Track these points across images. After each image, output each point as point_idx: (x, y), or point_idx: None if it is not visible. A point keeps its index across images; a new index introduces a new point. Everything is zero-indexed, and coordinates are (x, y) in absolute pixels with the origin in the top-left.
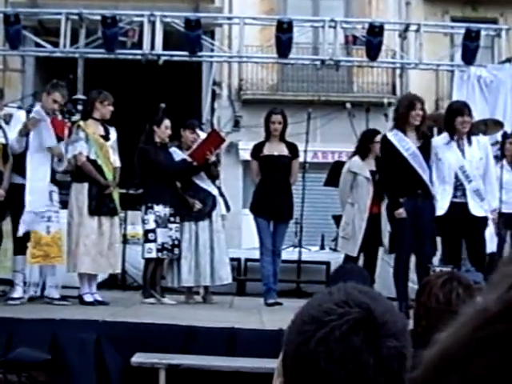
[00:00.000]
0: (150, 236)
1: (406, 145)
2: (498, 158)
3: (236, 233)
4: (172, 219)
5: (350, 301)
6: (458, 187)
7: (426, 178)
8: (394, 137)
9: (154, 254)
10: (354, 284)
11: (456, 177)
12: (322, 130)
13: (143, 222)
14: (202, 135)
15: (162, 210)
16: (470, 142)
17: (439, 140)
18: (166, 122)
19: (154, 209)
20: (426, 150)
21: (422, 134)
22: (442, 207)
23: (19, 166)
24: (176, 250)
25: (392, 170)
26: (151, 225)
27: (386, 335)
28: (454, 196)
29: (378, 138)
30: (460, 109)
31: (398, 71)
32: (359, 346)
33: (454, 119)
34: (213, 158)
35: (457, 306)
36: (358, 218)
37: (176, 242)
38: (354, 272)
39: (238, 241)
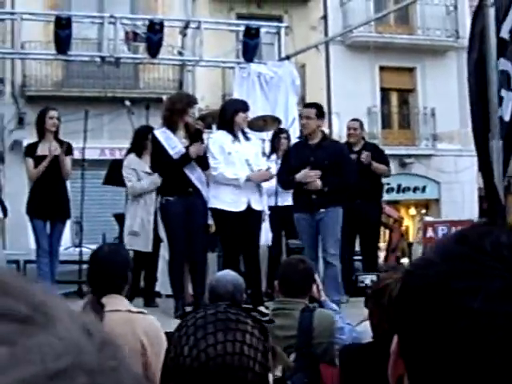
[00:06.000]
0: None
1: (173, 143)
2: (265, 154)
3: (23, 233)
4: None
5: None
6: None
7: (193, 177)
8: (162, 134)
9: None
10: None
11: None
12: (109, 127)
13: None
14: None
15: None
16: (246, 137)
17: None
18: None
19: None
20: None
21: (193, 133)
22: None
23: None
24: None
25: (162, 168)
26: None
27: None
28: None
29: None
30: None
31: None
32: None
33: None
34: None
35: None
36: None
37: None
38: None
39: (25, 242)
